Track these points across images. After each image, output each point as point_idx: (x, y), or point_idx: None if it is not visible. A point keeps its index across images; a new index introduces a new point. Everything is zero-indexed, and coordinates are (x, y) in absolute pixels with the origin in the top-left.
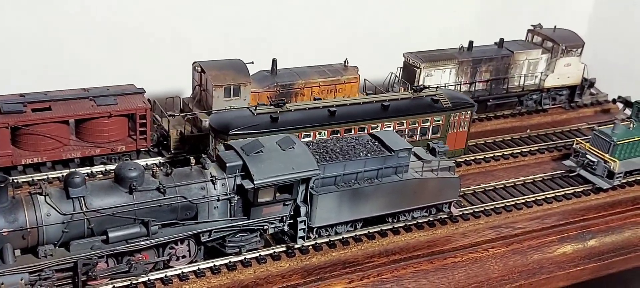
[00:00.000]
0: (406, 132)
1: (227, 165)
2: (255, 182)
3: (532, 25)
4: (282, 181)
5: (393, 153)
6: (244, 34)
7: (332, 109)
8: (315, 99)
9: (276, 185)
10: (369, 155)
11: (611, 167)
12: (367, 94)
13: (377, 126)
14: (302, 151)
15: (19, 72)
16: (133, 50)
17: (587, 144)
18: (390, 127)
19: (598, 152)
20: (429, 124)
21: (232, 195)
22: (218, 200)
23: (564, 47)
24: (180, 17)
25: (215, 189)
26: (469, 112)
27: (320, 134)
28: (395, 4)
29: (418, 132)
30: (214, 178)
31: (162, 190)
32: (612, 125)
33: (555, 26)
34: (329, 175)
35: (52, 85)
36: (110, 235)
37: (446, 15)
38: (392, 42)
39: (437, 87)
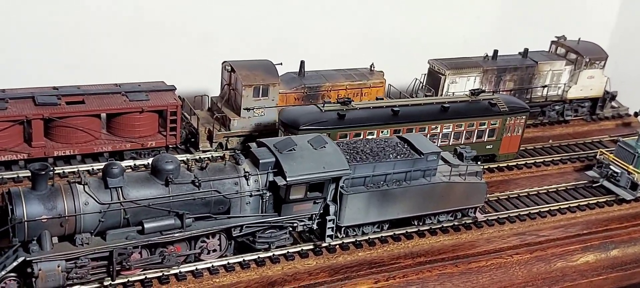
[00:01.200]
0: (463, 134)
1: (261, 161)
2: (287, 179)
3: (556, 36)
4: (313, 179)
5: (422, 157)
6: (272, 36)
7: (395, 109)
8: (377, 99)
9: (308, 183)
10: (398, 157)
11: (635, 179)
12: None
13: (437, 127)
14: (333, 150)
15: (52, 66)
16: (163, 48)
17: (611, 155)
18: (449, 128)
19: (622, 163)
20: (485, 126)
21: (264, 192)
22: (250, 195)
23: (587, 60)
24: (209, 17)
25: (248, 185)
26: (524, 117)
27: (383, 132)
28: (418, 11)
29: (475, 135)
30: (247, 174)
31: (197, 183)
32: (637, 137)
33: (579, 38)
34: (358, 176)
35: (83, 80)
36: (146, 226)
37: (469, 23)
38: (414, 48)
39: (493, 91)
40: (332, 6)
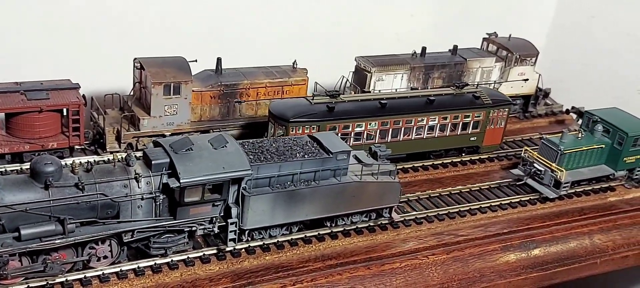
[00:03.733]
0: (448, 126)
1: (153, 162)
2: (181, 181)
3: (487, 33)
4: (210, 181)
5: (331, 155)
6: (193, 33)
7: (382, 101)
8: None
9: (204, 184)
10: (306, 156)
11: (558, 177)
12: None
13: (423, 119)
14: (234, 150)
15: None
16: (75, 45)
17: (535, 153)
18: (435, 120)
19: (545, 161)
20: (470, 119)
21: (157, 194)
22: (142, 199)
23: (517, 56)
24: (126, 13)
25: (139, 187)
26: (506, 109)
27: (371, 124)
28: (350, 9)
29: (459, 127)
30: (138, 176)
31: (80, 186)
32: (561, 134)
33: (510, 35)
34: (263, 176)
35: None
36: (22, 232)
37: (403, 20)
38: (346, 46)
39: (477, 85)
40: (260, 2)
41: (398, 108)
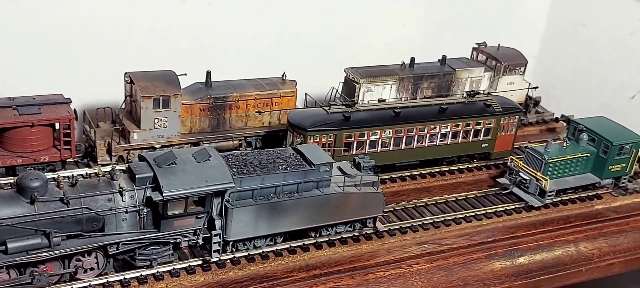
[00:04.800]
0: (461, 133)
1: (137, 176)
2: (164, 194)
3: (477, 43)
4: (192, 194)
5: (314, 168)
6: (185, 47)
7: (396, 110)
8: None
9: (187, 197)
10: (288, 168)
11: (543, 185)
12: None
13: (436, 127)
14: (217, 163)
15: None
16: (68, 61)
17: (521, 162)
18: (447, 128)
19: (530, 170)
20: (481, 126)
21: (141, 207)
22: (126, 212)
23: (506, 65)
24: (118, 29)
25: (123, 201)
26: (517, 117)
27: (385, 132)
28: (341, 18)
29: (471, 134)
30: (122, 190)
31: (65, 201)
32: (546, 143)
33: (499, 44)
34: (246, 188)
35: None
36: (9, 246)
37: (394, 30)
38: (338, 56)
39: (489, 93)
40: (250, 15)
41: (411, 116)
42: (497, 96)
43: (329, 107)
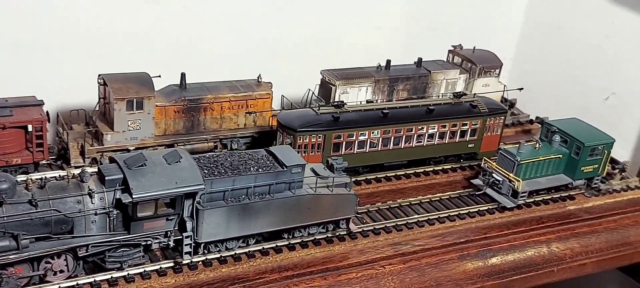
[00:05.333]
0: (447, 134)
1: (107, 178)
2: (133, 196)
3: (452, 45)
4: (162, 196)
5: (286, 169)
6: (163, 50)
7: (384, 111)
8: (367, 101)
9: (157, 199)
10: (260, 170)
11: (515, 186)
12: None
13: (423, 127)
14: (188, 165)
15: None
16: (43, 63)
17: (494, 163)
18: (434, 128)
19: (503, 171)
20: (467, 127)
21: (111, 209)
22: (95, 214)
23: (481, 67)
24: (95, 31)
25: (92, 203)
26: (502, 117)
27: (374, 133)
28: (318, 21)
29: (458, 134)
30: (91, 192)
31: (33, 203)
32: (518, 144)
33: (474, 47)
34: (217, 190)
35: None
36: None
37: (371, 34)
38: (316, 58)
39: (474, 94)
40: (226, 18)
41: (399, 117)
42: (483, 97)
43: (318, 108)
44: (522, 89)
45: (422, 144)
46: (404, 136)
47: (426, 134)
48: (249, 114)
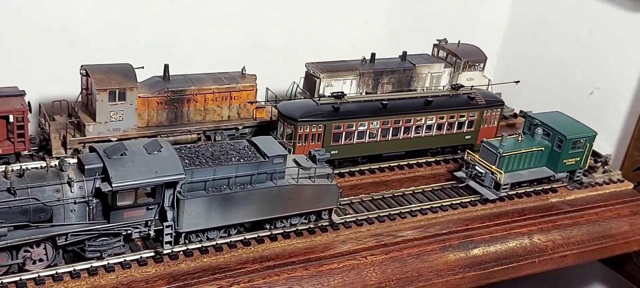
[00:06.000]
0: (445, 125)
1: (86, 167)
2: (113, 185)
3: (438, 39)
4: (142, 184)
5: (267, 159)
6: (147, 42)
7: (384, 102)
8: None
9: (137, 188)
10: (241, 160)
11: (498, 179)
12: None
13: (422, 118)
14: (169, 155)
15: None
16: (29, 54)
17: (477, 156)
18: (432, 120)
19: (486, 164)
20: (465, 118)
21: (90, 198)
22: (75, 202)
23: (466, 61)
24: (78, 22)
25: (72, 192)
26: (499, 109)
27: (373, 124)
28: (304, 14)
29: (455, 126)
30: (70, 181)
31: (12, 191)
32: (501, 137)
33: (459, 41)
34: (198, 180)
35: None
36: None
37: (358, 27)
38: (301, 51)
39: (472, 86)
40: (212, 10)
41: (398, 108)
42: (480, 90)
43: (318, 99)
44: (518, 82)
45: (420, 135)
46: (403, 127)
47: (424, 125)
48: (251, 104)
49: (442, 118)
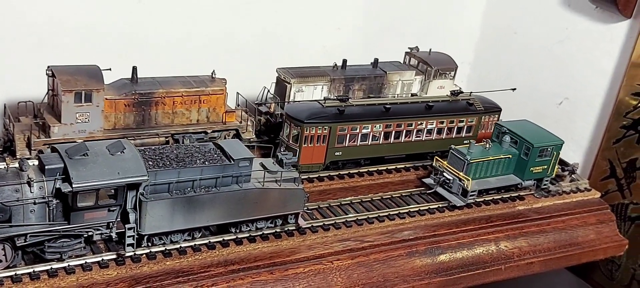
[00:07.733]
0: (445, 130)
1: (47, 167)
2: (73, 186)
3: (409, 47)
4: (103, 186)
5: (233, 162)
6: (116, 44)
7: (387, 106)
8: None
9: (98, 189)
10: (206, 163)
11: (465, 185)
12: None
13: (423, 123)
14: (131, 156)
15: None
16: None
17: (445, 162)
18: (433, 124)
19: (454, 171)
20: (464, 123)
21: (50, 199)
22: (34, 203)
23: (436, 69)
24: (46, 23)
25: (31, 192)
26: (497, 115)
27: (376, 127)
28: (276, 19)
29: (455, 130)
30: (30, 181)
31: None
32: (469, 144)
33: (430, 49)
34: (161, 182)
35: None
36: None
37: (330, 34)
38: (273, 57)
39: (471, 92)
40: (183, 13)
41: (400, 112)
42: (479, 96)
43: (324, 101)
44: (515, 89)
45: (420, 138)
46: (404, 131)
47: (425, 129)
48: (258, 105)
49: (442, 123)
